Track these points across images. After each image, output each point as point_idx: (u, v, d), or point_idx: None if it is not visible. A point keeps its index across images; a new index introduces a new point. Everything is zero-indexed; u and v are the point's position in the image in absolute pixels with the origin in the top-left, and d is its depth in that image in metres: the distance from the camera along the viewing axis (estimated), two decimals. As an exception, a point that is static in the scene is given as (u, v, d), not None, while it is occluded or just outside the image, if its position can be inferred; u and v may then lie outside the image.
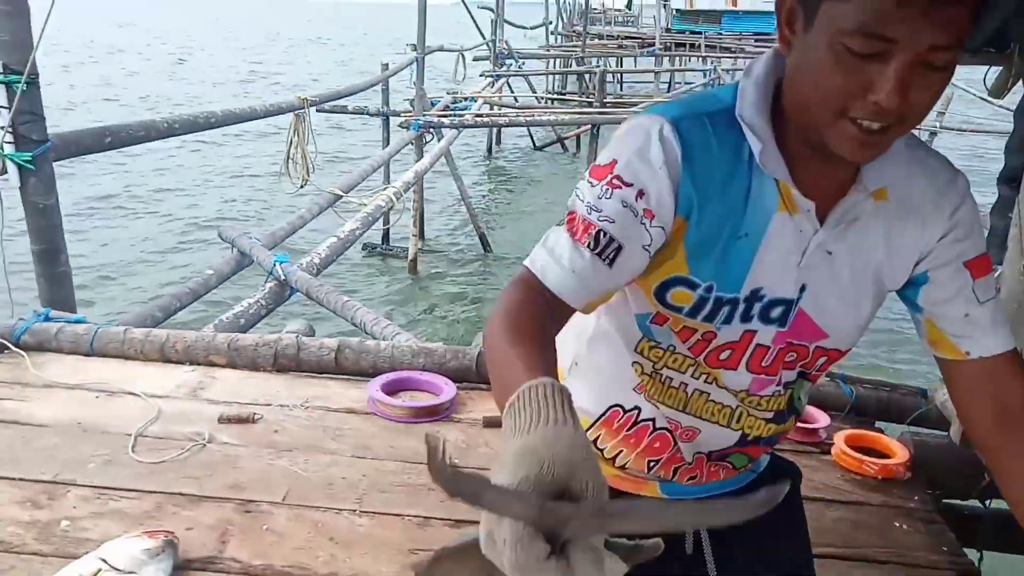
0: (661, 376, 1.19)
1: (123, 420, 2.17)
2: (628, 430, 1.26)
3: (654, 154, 1.01)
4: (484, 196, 13.90)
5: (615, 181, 1.01)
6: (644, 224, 1.02)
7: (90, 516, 1.77)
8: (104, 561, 1.51)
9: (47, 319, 2.65)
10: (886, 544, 1.83)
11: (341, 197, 7.79)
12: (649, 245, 1.03)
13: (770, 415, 1.22)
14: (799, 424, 2.14)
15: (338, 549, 1.73)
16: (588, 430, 1.27)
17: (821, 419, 2.24)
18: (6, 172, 3.15)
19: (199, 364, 2.54)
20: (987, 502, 2.14)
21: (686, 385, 1.19)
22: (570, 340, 1.27)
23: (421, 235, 10.38)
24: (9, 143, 3.10)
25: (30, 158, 3.08)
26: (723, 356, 1.15)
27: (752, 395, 1.19)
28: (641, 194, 1.01)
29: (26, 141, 3.10)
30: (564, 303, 1.01)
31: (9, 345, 2.54)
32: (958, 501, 2.21)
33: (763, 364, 1.16)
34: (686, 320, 1.12)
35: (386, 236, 11.00)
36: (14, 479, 1.88)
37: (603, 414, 1.27)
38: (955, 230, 1.10)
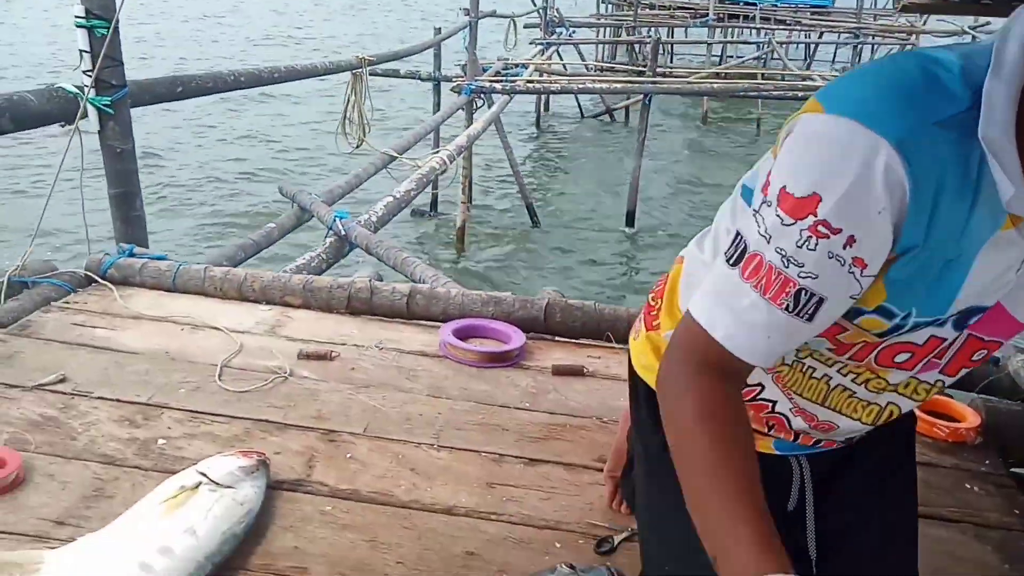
0: (804, 365, 1.13)
1: (207, 351, 2.25)
2: (748, 401, 1.22)
3: (875, 197, 0.82)
4: (532, 166, 13.86)
5: (820, 229, 0.84)
6: (853, 274, 0.87)
7: (184, 436, 1.86)
8: (204, 475, 1.58)
9: (131, 255, 2.74)
10: (958, 504, 1.85)
11: (395, 158, 7.86)
12: (857, 294, 0.90)
13: (921, 399, 1.15)
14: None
15: (419, 479, 1.79)
16: None
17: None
18: (87, 115, 3.24)
19: (275, 304, 2.62)
20: (1056, 471, 2.13)
21: (829, 379, 1.13)
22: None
23: (469, 202, 10.40)
24: (91, 87, 3.18)
25: (109, 102, 3.15)
26: (899, 358, 1.05)
27: (915, 379, 1.11)
28: (852, 241, 0.84)
29: (105, 86, 3.17)
30: (750, 365, 0.95)
31: (97, 278, 2.64)
32: (1025, 470, 2.21)
33: (941, 360, 1.05)
34: (869, 338, 1.01)
35: (435, 202, 11.06)
36: (111, 400, 1.97)
37: None
38: None
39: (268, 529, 1.58)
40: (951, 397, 2.24)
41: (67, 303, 2.49)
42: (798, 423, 1.22)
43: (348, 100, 7.69)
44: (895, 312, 0.95)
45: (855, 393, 1.14)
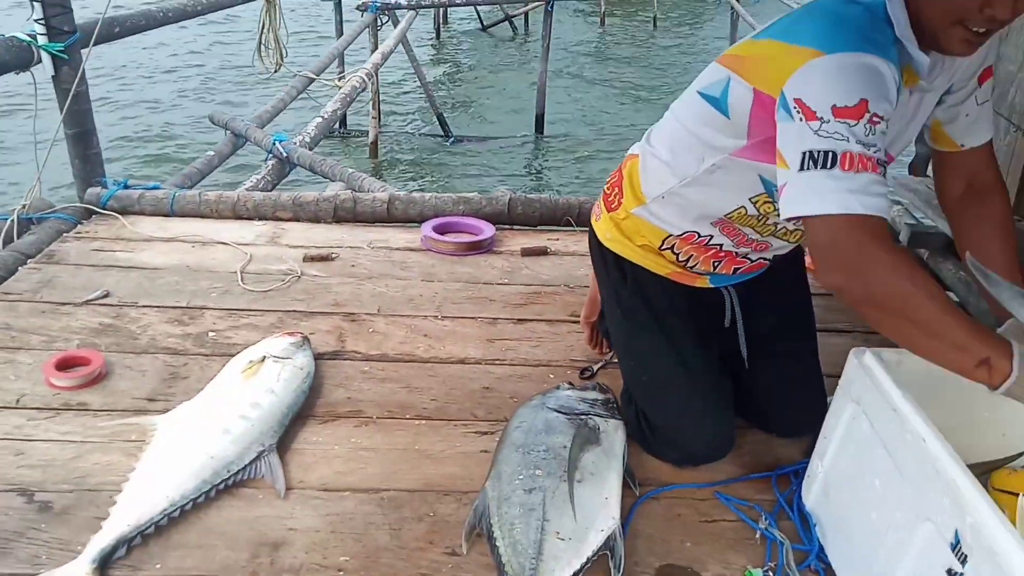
0: (765, 220, 1.60)
1: (223, 262, 2.59)
2: (701, 247, 1.72)
3: (892, 94, 1.23)
4: (437, 80, 13.89)
5: (875, 119, 1.20)
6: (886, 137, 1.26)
7: (229, 328, 2.21)
8: (266, 352, 1.95)
9: (126, 187, 3.00)
10: (850, 320, 2.36)
11: (314, 80, 7.96)
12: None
13: None
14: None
15: (432, 341, 2.20)
16: (667, 239, 1.74)
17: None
18: (40, 62, 3.40)
19: (268, 219, 2.94)
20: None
21: (777, 224, 1.62)
22: (666, 177, 1.68)
23: (379, 116, 10.47)
24: (42, 35, 3.33)
25: (63, 48, 3.32)
26: None
27: None
28: (888, 124, 1.23)
29: (57, 32, 3.33)
30: (883, 220, 1.22)
31: (98, 210, 2.90)
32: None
33: None
34: None
35: (344, 120, 11.05)
36: (155, 307, 2.30)
37: (681, 234, 1.72)
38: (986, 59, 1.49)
39: (323, 387, 1.97)
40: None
41: (80, 233, 2.76)
42: (743, 251, 1.71)
43: (263, 25, 7.73)
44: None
45: (792, 230, 1.63)
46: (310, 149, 5.82)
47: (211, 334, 2.18)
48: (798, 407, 1.79)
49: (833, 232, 1.19)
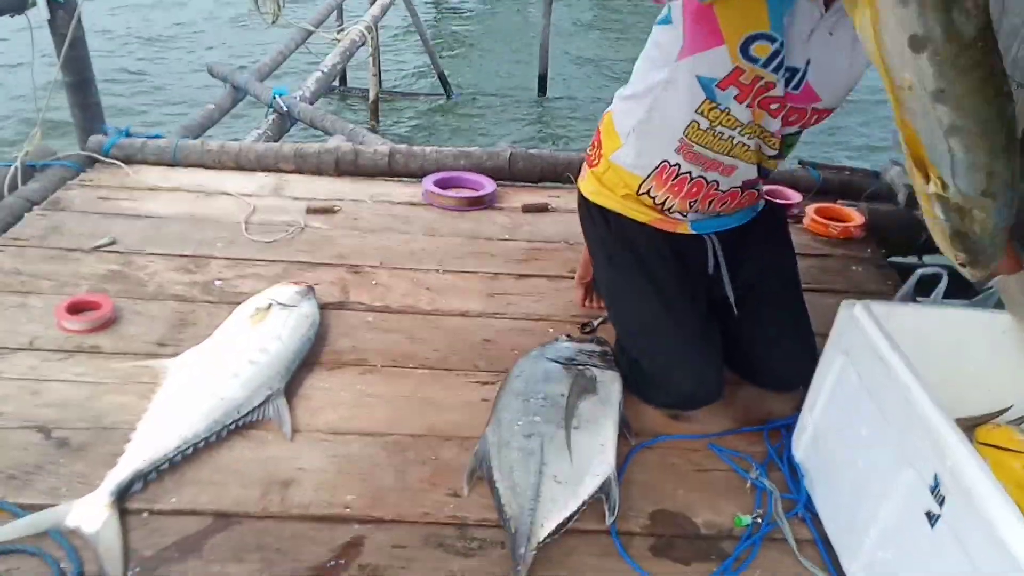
0: (715, 131, 1.67)
1: (227, 212, 2.62)
2: (672, 180, 1.78)
3: None
4: (437, 37, 13.73)
5: None
6: None
7: (236, 277, 2.25)
8: (272, 299, 1.99)
9: (128, 135, 3.02)
10: (846, 281, 2.42)
11: (313, 32, 7.90)
12: None
13: (773, 153, 1.75)
14: (780, 201, 2.70)
15: (434, 295, 2.25)
16: (643, 183, 1.79)
17: (795, 197, 2.78)
18: (35, 5, 3.38)
19: (270, 171, 2.96)
20: (921, 257, 2.72)
21: (733, 139, 1.68)
22: (633, 109, 1.77)
23: (379, 73, 10.38)
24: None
25: (57, -11, 3.29)
26: (773, 107, 1.61)
27: (772, 137, 1.70)
28: None
29: (51, -26, 3.31)
30: None
31: (100, 158, 2.92)
32: (900, 259, 2.79)
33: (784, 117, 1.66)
34: (760, 70, 1.54)
35: (343, 77, 10.96)
36: (162, 254, 2.34)
37: (654, 169, 1.78)
38: None
39: (328, 336, 2.02)
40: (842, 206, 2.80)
41: (84, 181, 2.79)
42: (712, 176, 1.76)
43: (260, -25, 7.65)
44: (775, 37, 1.49)
45: (749, 147, 1.69)
46: (311, 104, 5.81)
47: (218, 282, 2.22)
48: (788, 358, 1.85)
49: None
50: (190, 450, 1.56)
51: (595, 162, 1.92)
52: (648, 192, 1.82)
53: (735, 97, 1.60)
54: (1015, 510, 0.98)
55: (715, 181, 1.77)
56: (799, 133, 1.74)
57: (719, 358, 1.84)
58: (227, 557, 1.37)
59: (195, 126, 4.66)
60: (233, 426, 1.65)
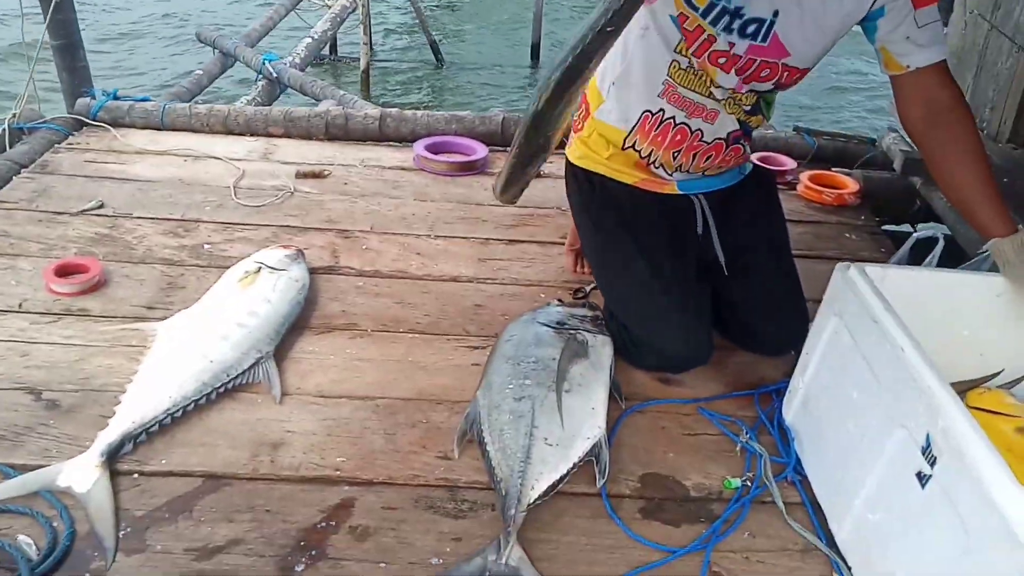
0: (695, 70, 1.67)
1: (216, 176, 2.59)
2: (656, 129, 1.79)
3: None
4: (431, 4, 13.55)
5: None
6: None
7: (224, 241, 2.23)
8: (261, 263, 1.98)
9: (115, 97, 2.98)
10: (839, 248, 2.41)
11: (302, -1, 7.79)
12: None
13: (748, 108, 1.75)
14: (773, 167, 2.69)
15: (425, 259, 2.23)
16: (627, 137, 1.81)
17: (789, 163, 2.77)
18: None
19: (259, 135, 2.93)
20: (916, 225, 2.72)
21: (713, 82, 1.68)
22: (614, 63, 1.77)
23: (371, 43, 10.25)
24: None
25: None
26: (721, 61, 1.63)
27: (736, 93, 1.71)
28: None
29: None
30: None
31: (88, 121, 2.89)
32: (894, 227, 2.79)
33: (738, 67, 1.65)
34: (700, 20, 1.57)
35: (334, 45, 10.81)
36: (150, 218, 2.31)
37: (637, 121, 1.79)
38: None
39: (318, 300, 2.01)
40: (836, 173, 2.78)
41: (72, 144, 2.75)
42: (695, 124, 1.76)
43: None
44: None
45: (718, 99, 1.71)
46: (301, 71, 5.74)
47: (207, 246, 2.20)
48: (779, 322, 1.85)
49: None
50: (180, 412, 1.55)
51: (580, 126, 1.93)
52: (633, 146, 1.82)
53: (684, 44, 1.63)
54: (1007, 470, 0.98)
55: (699, 130, 1.77)
56: (774, 91, 1.73)
57: (708, 320, 1.83)
58: (218, 518, 1.37)
59: (184, 93, 4.60)
60: (223, 388, 1.63)
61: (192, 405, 1.57)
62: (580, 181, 1.94)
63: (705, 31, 1.58)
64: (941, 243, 1.98)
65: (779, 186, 2.71)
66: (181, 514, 1.37)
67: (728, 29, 1.57)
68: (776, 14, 1.55)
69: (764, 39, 1.58)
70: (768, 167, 2.64)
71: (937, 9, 1.55)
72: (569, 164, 1.98)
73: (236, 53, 5.57)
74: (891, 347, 1.19)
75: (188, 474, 1.45)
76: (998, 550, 0.95)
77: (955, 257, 2.14)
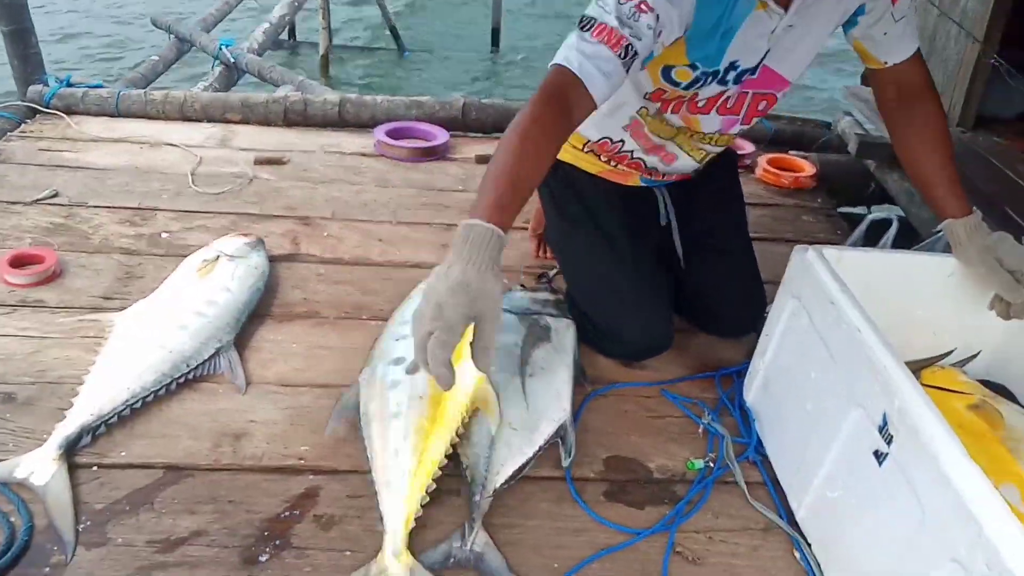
0: (663, 118, 1.66)
1: (172, 164, 2.55)
2: (614, 156, 1.81)
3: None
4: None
5: (644, 7, 1.29)
6: (656, 42, 1.34)
7: (182, 230, 2.20)
8: (220, 251, 1.95)
9: (69, 84, 2.91)
10: (796, 230, 2.44)
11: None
12: (648, 57, 1.37)
13: (720, 148, 1.78)
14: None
15: (387, 246, 2.22)
16: (585, 143, 1.82)
17: (748, 147, 2.79)
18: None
19: (216, 121, 2.89)
20: (870, 207, 2.76)
21: (677, 127, 1.68)
22: None
23: (329, 28, 10.11)
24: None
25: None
26: (700, 104, 1.60)
27: (723, 135, 1.71)
28: (658, 19, 1.31)
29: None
30: (591, 100, 1.31)
31: (41, 108, 2.82)
32: (850, 209, 2.83)
33: (728, 107, 1.63)
34: (681, 92, 1.55)
35: (292, 31, 10.64)
36: (106, 207, 2.27)
37: (597, 140, 1.79)
38: None
39: (279, 288, 1.99)
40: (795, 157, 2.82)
41: (24, 132, 2.69)
42: (652, 160, 1.78)
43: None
44: (696, 64, 1.48)
45: (695, 141, 1.71)
46: (259, 56, 5.66)
47: (164, 235, 2.17)
48: (737, 304, 1.87)
49: (545, 80, 1.31)
50: (139, 404, 1.53)
51: None
52: (592, 151, 1.84)
53: (661, 108, 1.63)
54: (960, 446, 1.00)
55: (654, 168, 1.79)
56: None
57: (669, 309, 1.85)
58: (180, 509, 1.36)
59: (139, 79, 4.51)
60: (182, 379, 1.61)
61: (151, 396, 1.55)
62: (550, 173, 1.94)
63: (685, 97, 1.57)
64: (895, 224, 2.02)
65: (739, 170, 2.75)
66: (142, 506, 1.35)
67: (722, 82, 1.55)
68: (767, 52, 1.52)
69: (753, 73, 1.56)
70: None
71: None
72: None
73: (192, 38, 5.48)
74: (848, 328, 1.22)
75: (149, 466, 1.43)
76: (952, 525, 0.97)
77: (908, 238, 2.18)
